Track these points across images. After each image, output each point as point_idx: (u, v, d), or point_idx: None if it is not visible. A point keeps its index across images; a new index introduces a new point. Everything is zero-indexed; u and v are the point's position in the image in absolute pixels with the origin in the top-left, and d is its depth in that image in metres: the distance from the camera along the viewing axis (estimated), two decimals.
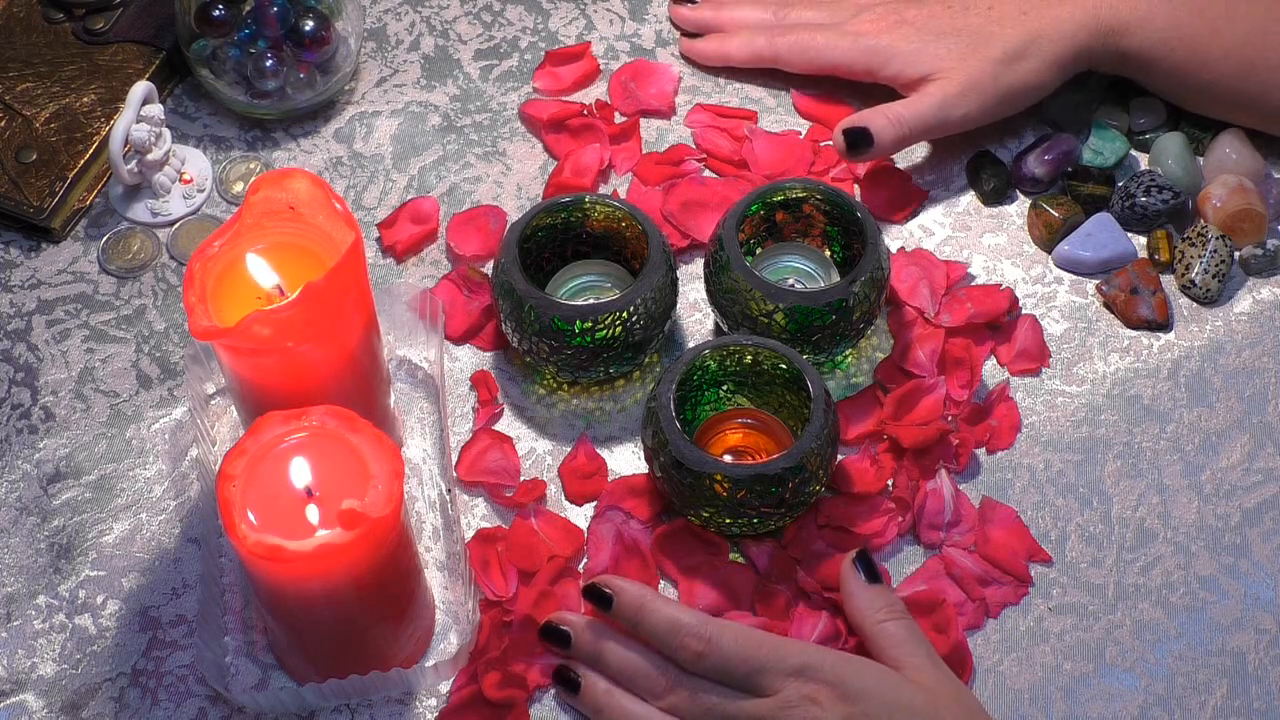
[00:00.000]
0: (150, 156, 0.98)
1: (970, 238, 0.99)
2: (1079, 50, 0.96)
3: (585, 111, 1.02)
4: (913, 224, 0.99)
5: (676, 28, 1.07)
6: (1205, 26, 0.94)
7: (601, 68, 1.05)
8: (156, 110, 0.98)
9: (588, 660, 0.83)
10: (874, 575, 0.83)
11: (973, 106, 0.96)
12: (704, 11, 1.05)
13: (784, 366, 0.86)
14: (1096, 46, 0.96)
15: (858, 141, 0.95)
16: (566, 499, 0.90)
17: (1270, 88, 0.95)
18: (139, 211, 0.99)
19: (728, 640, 0.79)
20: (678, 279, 0.91)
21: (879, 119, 0.95)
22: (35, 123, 1.00)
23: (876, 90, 1.02)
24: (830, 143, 1.01)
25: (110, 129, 0.98)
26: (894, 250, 0.97)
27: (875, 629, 0.81)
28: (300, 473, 0.75)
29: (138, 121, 0.97)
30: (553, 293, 0.93)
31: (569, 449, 0.91)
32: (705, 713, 0.79)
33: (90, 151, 1.00)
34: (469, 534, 0.88)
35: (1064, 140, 1.00)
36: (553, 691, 0.84)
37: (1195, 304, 0.96)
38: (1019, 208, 1.00)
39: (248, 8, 1.00)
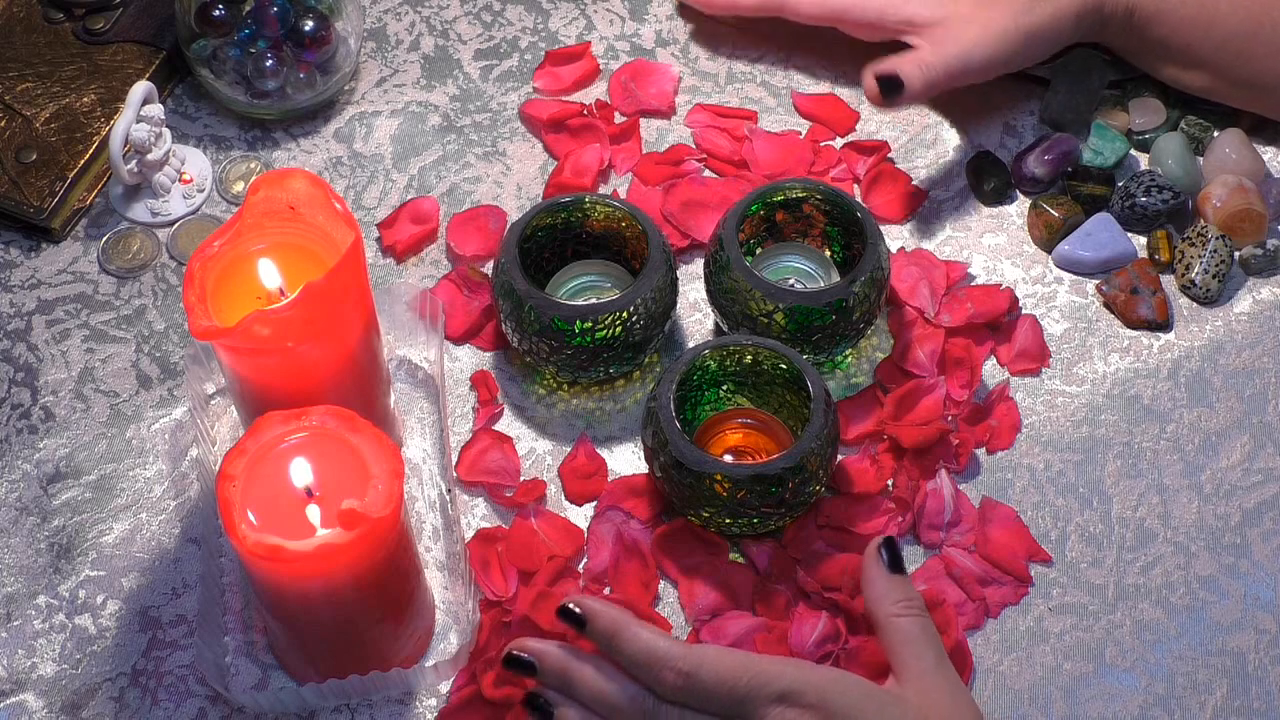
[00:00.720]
0: (150, 156, 0.98)
1: (970, 238, 0.99)
2: (1092, 1, 0.95)
3: (585, 111, 1.02)
4: (913, 224, 0.99)
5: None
6: None
7: (601, 68, 1.05)
8: (156, 110, 0.98)
9: (556, 688, 0.79)
10: (897, 564, 0.81)
11: (994, 51, 0.95)
12: None
13: (784, 366, 0.86)
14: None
15: (890, 87, 0.94)
16: (566, 499, 0.90)
17: (1274, 53, 0.95)
18: (139, 211, 0.99)
19: (708, 671, 0.76)
20: (678, 279, 0.91)
21: (907, 65, 0.94)
22: (35, 123, 1.00)
23: None
24: (829, 142, 1.02)
25: (110, 129, 0.98)
26: (894, 250, 0.97)
27: (887, 622, 0.79)
28: (300, 473, 0.75)
29: (138, 121, 0.97)
30: (553, 293, 0.93)
31: (569, 449, 0.91)
32: None
33: (90, 151, 1.00)
34: (469, 534, 0.88)
35: (1064, 140, 1.00)
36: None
37: (1195, 304, 0.96)
38: (1019, 208, 1.00)
39: (248, 8, 1.01)
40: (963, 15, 0.95)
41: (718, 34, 1.06)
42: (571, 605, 0.79)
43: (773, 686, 0.76)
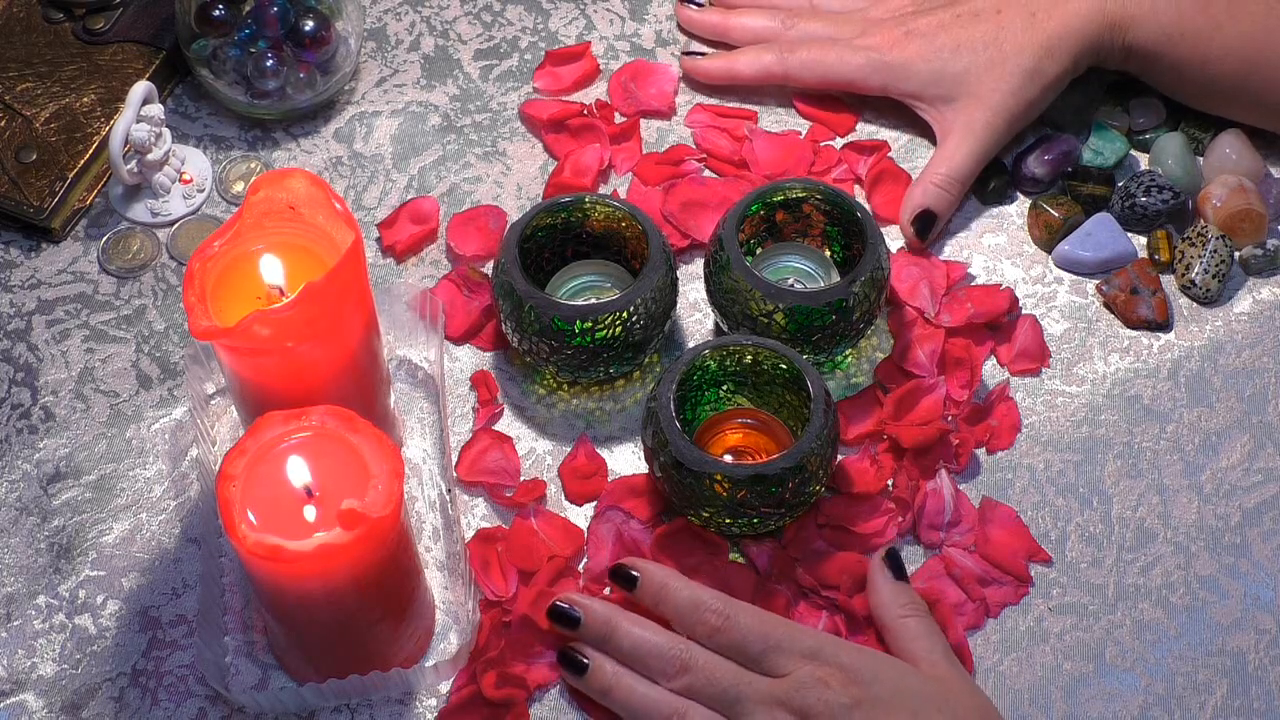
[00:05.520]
0: (150, 156, 0.98)
1: (970, 238, 0.99)
2: (1088, 45, 0.96)
3: (585, 111, 1.02)
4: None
5: (684, 32, 1.06)
6: (1208, 22, 0.95)
7: (601, 68, 1.05)
8: (156, 110, 0.98)
9: (595, 642, 0.83)
10: (900, 573, 0.85)
11: (1002, 132, 0.97)
12: (711, 16, 1.05)
13: (784, 366, 0.86)
14: (1104, 40, 0.96)
15: (926, 225, 0.96)
16: (566, 499, 0.90)
17: (1272, 84, 0.96)
18: (139, 211, 0.99)
19: (744, 618, 0.81)
20: (678, 279, 0.91)
21: (932, 192, 0.96)
22: (35, 123, 1.00)
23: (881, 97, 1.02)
24: (829, 142, 1.02)
25: (110, 129, 0.98)
26: (894, 250, 0.97)
27: (895, 623, 0.83)
28: (300, 473, 0.75)
29: (138, 121, 0.97)
30: (553, 293, 0.93)
31: (569, 449, 0.91)
32: (719, 693, 0.80)
33: (90, 151, 1.00)
34: (469, 534, 0.88)
35: (1064, 140, 1.00)
36: (551, 691, 0.84)
37: (1195, 304, 0.96)
38: (1019, 208, 1.00)
39: (248, 8, 1.01)
40: (967, 93, 0.97)
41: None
42: (625, 565, 0.84)
43: (805, 642, 0.80)
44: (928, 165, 0.98)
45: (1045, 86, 0.97)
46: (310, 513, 0.74)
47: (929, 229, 0.96)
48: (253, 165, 1.01)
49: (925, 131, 1.02)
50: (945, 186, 0.96)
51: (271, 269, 0.80)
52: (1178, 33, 0.95)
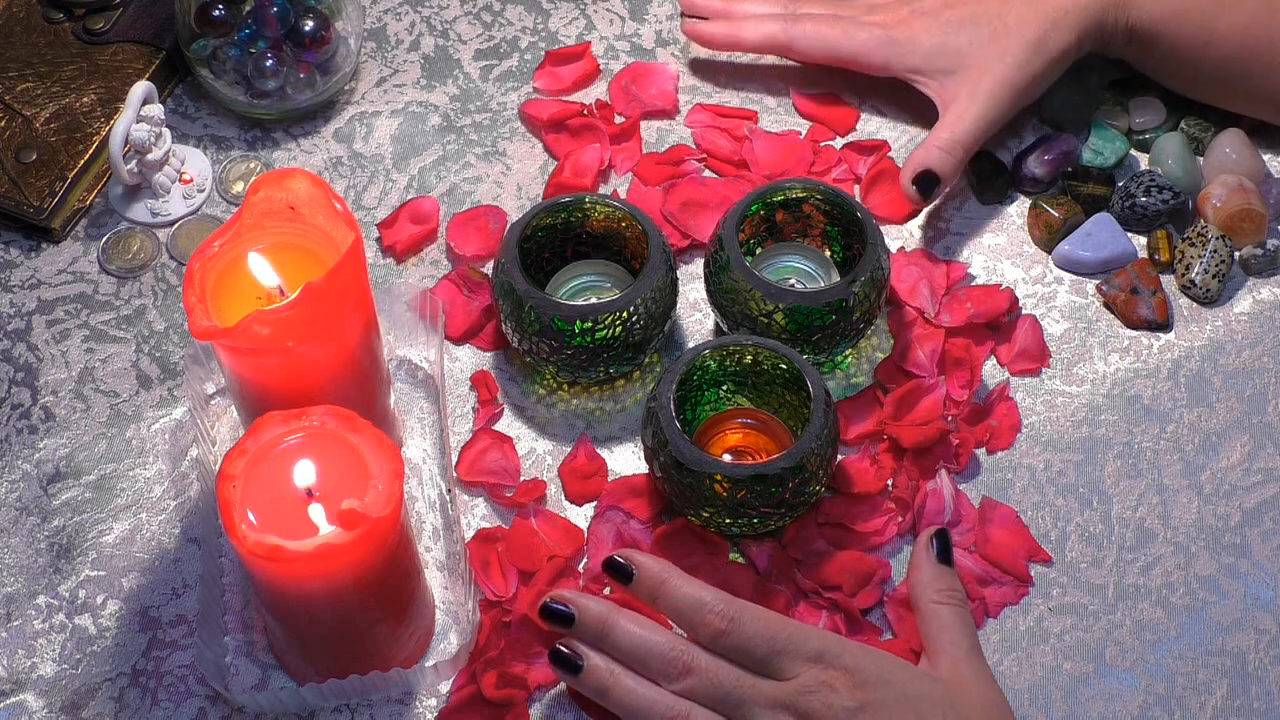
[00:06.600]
0: (150, 156, 0.98)
1: (970, 238, 0.99)
2: (1093, 22, 0.96)
3: (585, 111, 1.02)
4: (912, 224, 0.99)
5: (687, 17, 1.06)
6: (1210, 2, 0.95)
7: (601, 68, 1.05)
8: (156, 110, 0.98)
9: (591, 641, 0.81)
10: (946, 556, 0.83)
11: (1007, 103, 0.96)
12: (714, 0, 1.05)
13: (784, 366, 0.86)
14: (1107, 18, 0.96)
15: (929, 185, 0.96)
16: (566, 499, 0.90)
17: (1272, 70, 0.96)
18: (139, 211, 0.99)
19: (749, 620, 0.79)
20: (678, 279, 0.91)
21: (935, 154, 0.95)
22: (35, 123, 1.00)
23: (878, 88, 1.02)
24: (829, 142, 1.02)
25: (110, 129, 0.98)
26: (894, 250, 0.97)
27: (928, 607, 0.82)
28: (300, 473, 0.75)
29: (138, 121, 0.97)
30: (553, 293, 0.93)
31: (569, 449, 0.91)
32: (722, 696, 0.79)
33: (90, 151, 1.00)
34: (469, 534, 0.88)
35: (1064, 140, 1.00)
36: (551, 691, 0.84)
37: (1195, 304, 0.96)
38: (1019, 208, 1.00)
39: (248, 8, 1.01)
40: (970, 70, 0.97)
41: None
42: (619, 558, 0.82)
43: (810, 644, 0.79)
44: (931, 132, 0.97)
45: (1049, 60, 0.96)
46: (311, 513, 0.74)
47: (931, 188, 0.95)
48: (253, 165, 1.01)
49: (926, 129, 1.02)
50: (948, 149, 0.95)
51: (270, 270, 0.80)
52: (1181, 10, 0.95)
